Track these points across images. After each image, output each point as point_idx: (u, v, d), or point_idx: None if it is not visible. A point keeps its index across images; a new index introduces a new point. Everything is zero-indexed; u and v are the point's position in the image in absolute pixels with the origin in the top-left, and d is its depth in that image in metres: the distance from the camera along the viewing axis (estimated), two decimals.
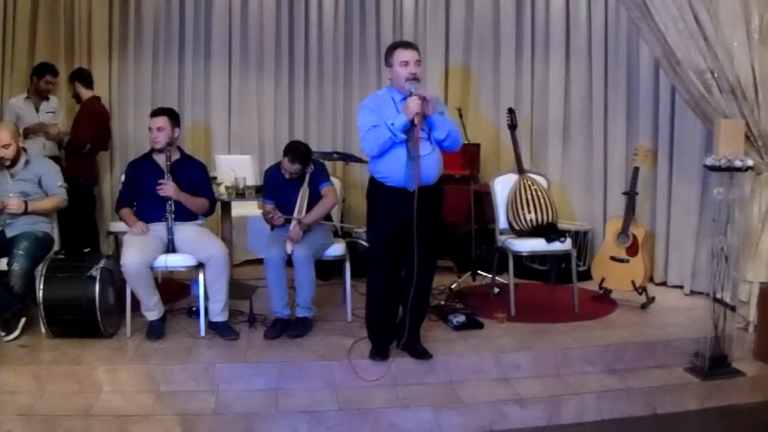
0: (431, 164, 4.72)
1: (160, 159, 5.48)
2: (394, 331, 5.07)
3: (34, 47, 7.36)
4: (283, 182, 5.62)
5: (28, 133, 6.65)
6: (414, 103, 4.52)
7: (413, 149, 4.60)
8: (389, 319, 5.03)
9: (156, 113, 5.52)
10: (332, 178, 5.92)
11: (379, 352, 4.97)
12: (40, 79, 6.83)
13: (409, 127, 4.60)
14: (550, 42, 7.87)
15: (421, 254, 4.67)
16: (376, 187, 4.86)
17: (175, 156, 5.55)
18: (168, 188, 5.35)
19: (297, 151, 5.54)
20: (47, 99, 6.99)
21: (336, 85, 8.46)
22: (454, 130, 4.79)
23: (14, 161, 5.44)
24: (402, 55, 4.72)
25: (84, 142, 6.83)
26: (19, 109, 6.85)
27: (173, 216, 5.39)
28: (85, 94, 6.98)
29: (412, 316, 4.94)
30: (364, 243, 6.66)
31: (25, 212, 5.37)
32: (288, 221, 5.55)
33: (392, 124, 4.59)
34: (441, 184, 4.94)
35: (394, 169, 4.70)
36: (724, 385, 5.07)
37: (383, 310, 5.00)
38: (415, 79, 4.65)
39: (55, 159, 6.60)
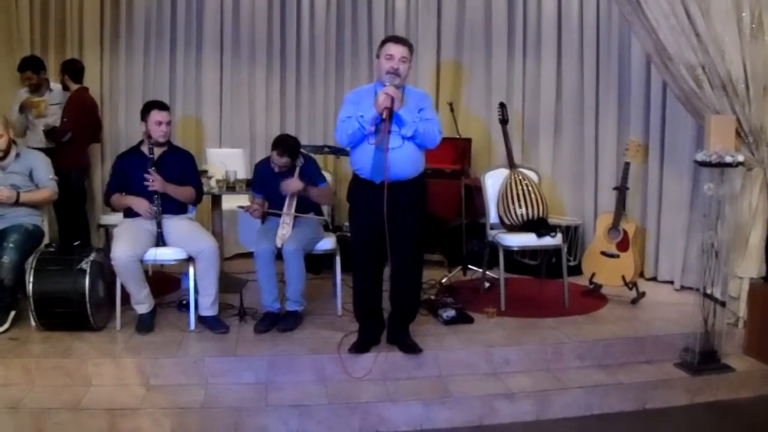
0: (400, 159, 4.71)
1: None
2: (379, 324, 5.10)
3: (33, 39, 7.36)
4: (273, 176, 5.61)
5: (24, 108, 6.76)
6: (383, 97, 4.56)
7: (381, 142, 4.63)
8: (371, 311, 5.06)
9: (162, 106, 5.51)
10: (323, 172, 5.93)
11: (359, 346, 4.99)
12: (22, 74, 6.83)
13: (380, 121, 4.62)
14: (542, 37, 7.85)
15: (400, 249, 4.77)
16: (353, 179, 4.95)
17: (164, 148, 5.54)
18: (155, 183, 5.34)
19: (285, 144, 5.55)
20: (50, 90, 7.02)
21: (327, 79, 8.46)
22: (426, 129, 4.74)
23: (5, 153, 5.42)
24: (389, 48, 4.74)
25: (65, 131, 6.79)
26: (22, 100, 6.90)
27: (161, 209, 5.38)
28: (72, 86, 6.96)
29: (398, 311, 5.03)
30: None
31: (17, 203, 5.35)
32: (270, 215, 5.65)
33: (361, 116, 4.65)
34: (422, 181, 4.93)
35: (364, 161, 4.77)
36: (713, 380, 5.08)
37: (363, 302, 5.05)
38: (395, 73, 4.67)
39: (50, 151, 6.57)
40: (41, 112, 6.88)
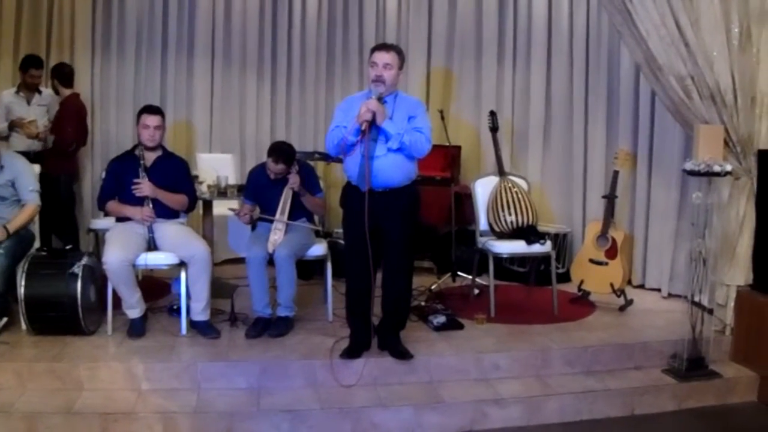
0: (385, 167, 4.76)
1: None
2: (368, 330, 5.12)
3: (18, 42, 7.37)
4: (268, 183, 5.65)
5: (14, 126, 6.67)
6: (363, 110, 4.63)
7: (366, 150, 4.71)
8: (362, 316, 5.07)
9: (153, 110, 5.50)
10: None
11: (350, 351, 5.02)
12: (24, 73, 6.81)
13: (360, 131, 4.70)
14: (532, 45, 7.90)
15: (390, 256, 4.91)
16: (346, 185, 5.01)
17: (157, 153, 5.55)
18: (144, 188, 5.35)
19: (280, 151, 5.57)
20: (39, 92, 6.99)
21: (318, 85, 8.47)
22: (413, 140, 4.75)
23: None
24: (373, 56, 4.82)
25: (71, 140, 6.80)
26: (9, 103, 6.85)
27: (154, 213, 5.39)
28: (64, 92, 6.93)
29: (388, 318, 5.09)
30: None
31: (8, 237, 5.23)
32: (261, 220, 5.70)
33: (344, 127, 4.74)
34: (412, 189, 4.97)
35: (353, 169, 4.84)
36: (700, 386, 5.14)
37: (355, 307, 5.07)
38: (378, 81, 4.74)
39: (39, 155, 6.57)
40: (31, 133, 6.76)
